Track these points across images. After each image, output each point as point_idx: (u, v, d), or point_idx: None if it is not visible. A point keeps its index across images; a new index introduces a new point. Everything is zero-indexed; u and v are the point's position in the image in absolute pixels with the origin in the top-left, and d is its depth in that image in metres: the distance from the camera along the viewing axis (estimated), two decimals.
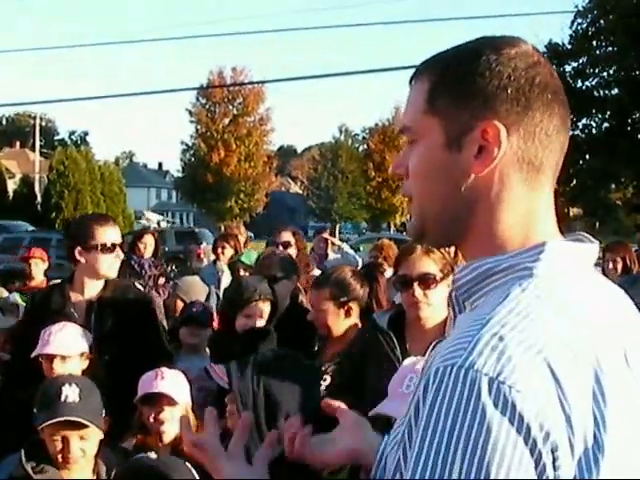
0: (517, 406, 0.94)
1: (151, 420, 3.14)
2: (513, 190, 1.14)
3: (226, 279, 6.82)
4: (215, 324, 4.65)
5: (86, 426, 2.75)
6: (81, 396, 2.80)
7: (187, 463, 2.53)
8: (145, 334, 3.74)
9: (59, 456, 2.74)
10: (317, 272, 6.16)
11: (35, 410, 2.82)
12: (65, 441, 2.73)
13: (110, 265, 3.76)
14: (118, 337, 3.64)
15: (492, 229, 1.15)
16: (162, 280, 7.07)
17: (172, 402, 3.12)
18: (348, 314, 3.62)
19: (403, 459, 1.07)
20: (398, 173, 1.24)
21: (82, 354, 3.43)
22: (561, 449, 0.95)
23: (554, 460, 0.95)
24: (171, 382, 3.17)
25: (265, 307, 3.97)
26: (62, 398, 2.77)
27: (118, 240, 3.80)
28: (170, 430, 3.12)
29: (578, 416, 0.97)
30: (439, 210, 1.19)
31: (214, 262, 7.60)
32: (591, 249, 1.18)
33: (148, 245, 7.21)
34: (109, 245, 3.73)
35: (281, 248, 6.19)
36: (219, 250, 7.44)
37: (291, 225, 7.86)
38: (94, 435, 2.80)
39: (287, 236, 6.51)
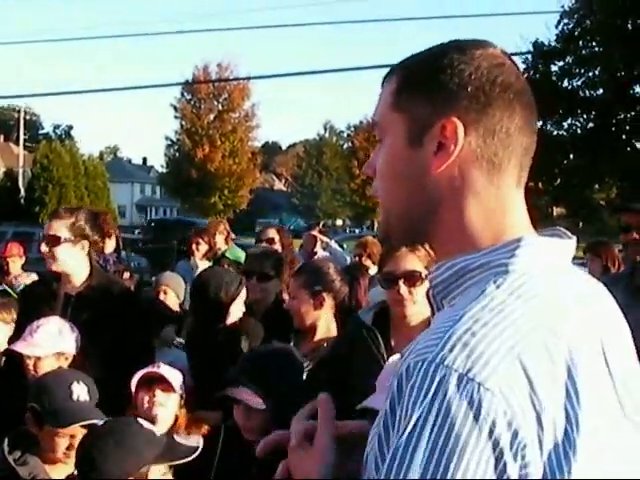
0: (484, 404, 0.94)
1: (145, 405, 3.11)
2: (474, 187, 1.14)
3: None
4: None
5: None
6: (90, 394, 2.78)
7: (141, 420, 2.52)
8: (125, 328, 3.62)
9: (61, 452, 2.71)
10: None
11: (38, 407, 2.74)
12: (72, 438, 2.69)
13: (47, 259, 3.69)
14: (95, 331, 3.54)
15: (460, 225, 1.15)
16: (126, 275, 6.98)
17: (168, 387, 3.12)
18: (320, 305, 3.60)
19: (379, 451, 1.02)
20: (368, 174, 1.24)
21: (61, 353, 3.35)
22: (530, 447, 0.94)
23: (522, 458, 0.94)
24: (167, 370, 3.18)
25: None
26: (74, 398, 2.74)
27: (52, 232, 3.69)
28: (164, 416, 3.10)
29: (549, 413, 0.97)
30: (403, 209, 1.19)
31: (188, 258, 7.51)
32: (568, 244, 1.18)
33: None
34: (44, 239, 3.69)
35: (264, 244, 6.23)
36: (193, 246, 7.34)
37: (273, 223, 7.90)
38: None
39: (272, 233, 6.57)
